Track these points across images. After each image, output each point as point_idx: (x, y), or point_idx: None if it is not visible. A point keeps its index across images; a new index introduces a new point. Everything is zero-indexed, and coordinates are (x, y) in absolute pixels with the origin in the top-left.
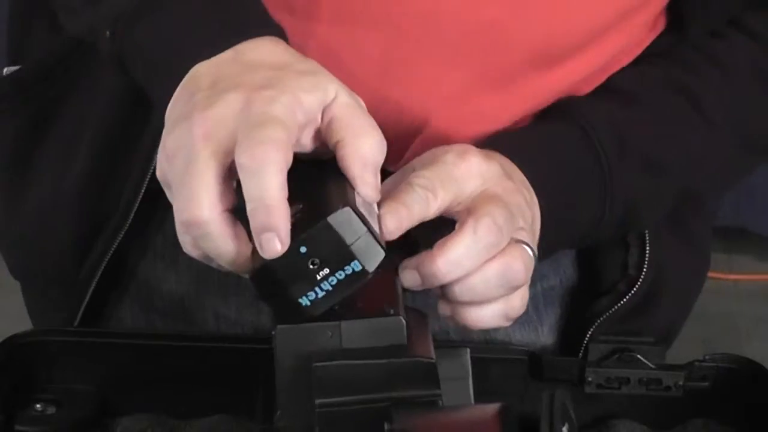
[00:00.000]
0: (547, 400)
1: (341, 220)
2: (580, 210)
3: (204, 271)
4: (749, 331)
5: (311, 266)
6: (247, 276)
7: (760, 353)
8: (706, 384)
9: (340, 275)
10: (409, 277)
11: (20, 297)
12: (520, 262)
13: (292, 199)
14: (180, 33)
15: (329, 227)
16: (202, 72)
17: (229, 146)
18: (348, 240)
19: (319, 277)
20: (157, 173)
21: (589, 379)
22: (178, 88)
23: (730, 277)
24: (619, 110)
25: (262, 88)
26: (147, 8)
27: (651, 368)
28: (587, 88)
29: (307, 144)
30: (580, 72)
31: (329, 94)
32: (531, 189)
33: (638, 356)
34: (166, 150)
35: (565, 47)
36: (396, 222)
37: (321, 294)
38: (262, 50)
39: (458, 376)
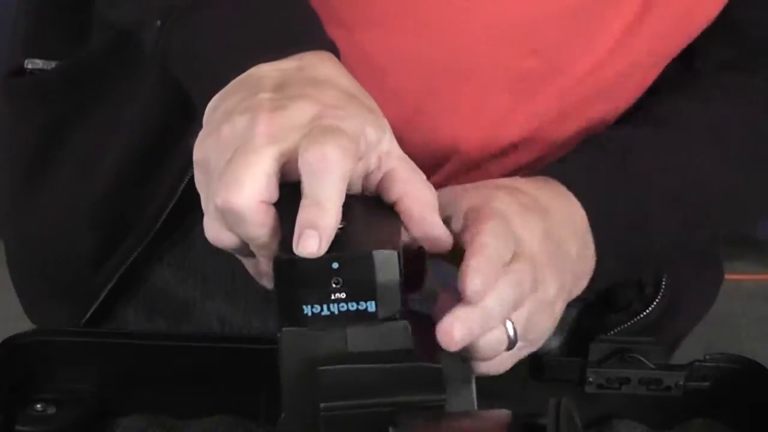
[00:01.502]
0: (554, 408)
1: (384, 260)
2: (630, 242)
3: (210, 276)
4: (749, 331)
5: (332, 284)
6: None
7: (760, 353)
8: (707, 384)
9: (352, 306)
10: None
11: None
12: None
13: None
14: (241, 31)
15: (370, 260)
16: (265, 74)
17: (290, 151)
18: (379, 280)
19: (332, 297)
20: (198, 153)
21: (590, 379)
22: (234, 83)
23: (731, 277)
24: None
25: (334, 107)
26: (205, 2)
27: (651, 368)
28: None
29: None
30: (607, 111)
31: (385, 140)
32: (584, 235)
33: (639, 356)
34: (220, 136)
35: (596, 91)
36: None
37: (325, 313)
38: (326, 68)
39: (461, 377)
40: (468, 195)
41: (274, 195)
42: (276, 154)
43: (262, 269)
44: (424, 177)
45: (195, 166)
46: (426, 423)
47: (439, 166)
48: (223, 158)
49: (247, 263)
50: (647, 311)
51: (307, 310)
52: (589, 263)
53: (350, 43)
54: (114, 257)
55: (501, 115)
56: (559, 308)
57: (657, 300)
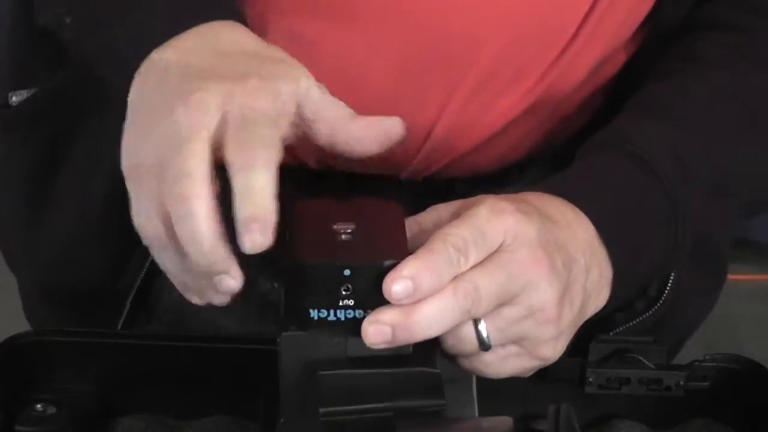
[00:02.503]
0: (553, 415)
1: None
2: (650, 250)
3: None
4: (749, 331)
5: (342, 291)
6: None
7: (760, 353)
8: (707, 384)
9: (360, 314)
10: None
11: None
12: None
13: (342, 212)
14: (137, 15)
15: (381, 272)
16: (169, 59)
17: (216, 135)
18: None
19: (341, 303)
20: (130, 161)
21: (590, 379)
22: (142, 74)
23: (731, 278)
24: (672, 131)
25: (243, 77)
26: None
27: (651, 368)
28: (585, 87)
29: (286, 134)
30: (580, 67)
31: (302, 84)
32: (593, 249)
33: (639, 356)
34: (153, 137)
35: (569, 40)
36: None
37: (332, 318)
38: (226, 36)
39: (462, 377)
40: (467, 202)
41: (215, 187)
42: (206, 140)
43: (189, 284)
44: (347, 109)
45: (126, 176)
46: (425, 428)
47: (418, 150)
48: (157, 154)
49: (175, 279)
50: (651, 311)
51: (314, 313)
52: (603, 276)
53: (320, 34)
54: (129, 270)
55: (476, 87)
56: (565, 319)
57: (662, 299)
